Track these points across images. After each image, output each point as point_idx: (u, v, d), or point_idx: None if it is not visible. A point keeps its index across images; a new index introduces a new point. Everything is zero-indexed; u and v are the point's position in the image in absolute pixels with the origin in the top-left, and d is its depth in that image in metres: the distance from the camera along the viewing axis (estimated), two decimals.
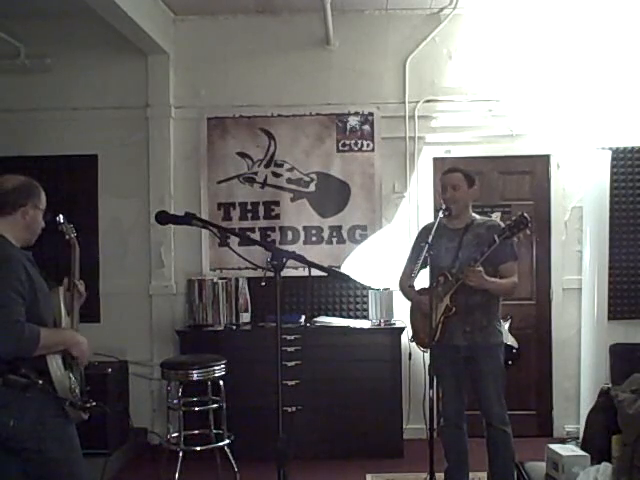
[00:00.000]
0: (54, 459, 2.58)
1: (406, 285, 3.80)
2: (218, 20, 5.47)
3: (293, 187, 5.43)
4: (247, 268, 5.17)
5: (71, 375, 2.62)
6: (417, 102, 5.36)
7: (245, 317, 5.23)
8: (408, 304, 3.95)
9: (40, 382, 2.48)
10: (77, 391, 2.63)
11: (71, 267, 2.86)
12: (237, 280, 5.23)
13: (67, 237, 2.90)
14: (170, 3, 5.24)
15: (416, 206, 5.39)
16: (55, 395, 2.53)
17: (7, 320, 2.41)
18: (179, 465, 4.15)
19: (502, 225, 3.70)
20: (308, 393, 4.84)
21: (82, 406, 2.61)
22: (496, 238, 3.46)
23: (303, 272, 4.54)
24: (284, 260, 2.44)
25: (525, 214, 3.44)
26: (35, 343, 2.46)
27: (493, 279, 3.58)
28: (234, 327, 5.15)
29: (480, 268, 3.50)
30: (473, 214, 3.80)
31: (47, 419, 2.55)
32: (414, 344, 3.92)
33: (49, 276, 2.72)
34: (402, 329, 4.92)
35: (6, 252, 2.56)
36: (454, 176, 3.73)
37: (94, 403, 2.64)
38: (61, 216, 2.83)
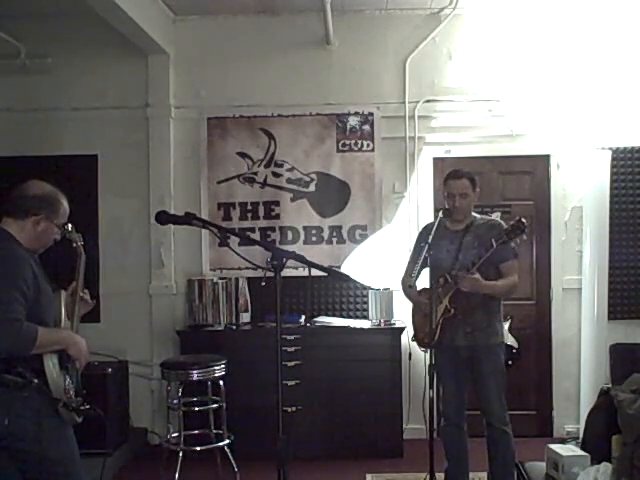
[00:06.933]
0: (50, 459, 2.56)
1: (407, 285, 3.82)
2: (218, 20, 5.47)
3: (293, 187, 5.43)
4: (247, 268, 5.17)
5: (67, 376, 2.61)
6: (417, 102, 5.36)
7: (245, 317, 5.22)
8: (409, 304, 3.96)
9: (35, 381, 2.47)
10: (72, 393, 2.61)
11: (75, 274, 2.86)
12: (237, 280, 5.23)
13: (74, 245, 2.90)
14: (170, 3, 5.24)
15: (416, 206, 5.38)
16: (49, 395, 2.52)
17: (6, 317, 2.41)
18: (179, 465, 4.15)
19: (503, 224, 3.72)
20: (308, 393, 4.84)
21: (76, 408, 2.60)
22: (493, 243, 3.47)
23: (303, 272, 4.54)
24: (284, 260, 2.44)
25: (523, 219, 3.44)
26: (32, 341, 2.46)
27: (490, 283, 3.58)
28: (234, 327, 5.15)
29: (477, 275, 3.50)
30: (474, 214, 3.81)
31: (44, 419, 2.53)
32: (414, 343, 3.93)
33: (52, 279, 2.72)
34: (402, 329, 4.92)
35: (13, 251, 2.56)
36: (462, 184, 3.67)
37: (88, 406, 2.64)
38: (69, 225, 2.83)
